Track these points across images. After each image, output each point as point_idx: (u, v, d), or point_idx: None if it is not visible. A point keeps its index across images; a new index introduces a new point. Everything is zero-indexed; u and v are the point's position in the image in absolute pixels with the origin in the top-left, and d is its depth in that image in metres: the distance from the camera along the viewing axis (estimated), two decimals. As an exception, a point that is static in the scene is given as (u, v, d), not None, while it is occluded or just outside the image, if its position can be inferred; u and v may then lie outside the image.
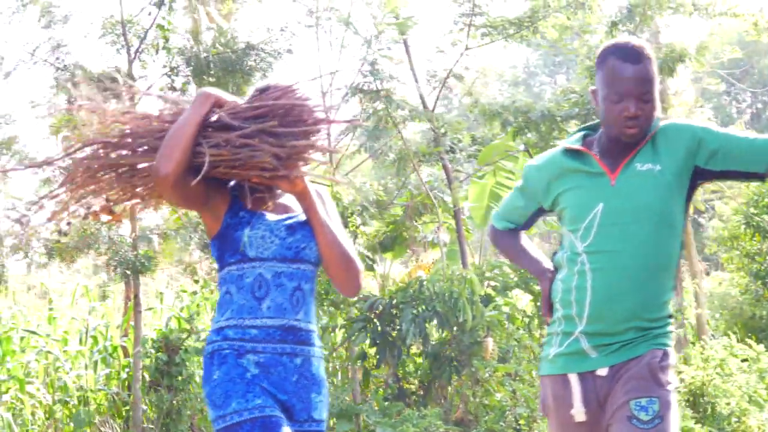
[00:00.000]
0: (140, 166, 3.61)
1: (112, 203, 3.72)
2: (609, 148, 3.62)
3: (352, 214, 10.91)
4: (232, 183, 3.70)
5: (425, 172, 13.72)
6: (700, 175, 3.59)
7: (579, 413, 3.54)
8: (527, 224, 3.99)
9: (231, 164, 3.45)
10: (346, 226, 10.96)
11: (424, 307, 10.32)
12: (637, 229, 3.49)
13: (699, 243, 25.84)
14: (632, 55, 3.54)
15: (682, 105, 20.00)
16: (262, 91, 3.61)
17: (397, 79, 12.28)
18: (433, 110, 13.10)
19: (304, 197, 3.60)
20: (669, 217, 3.54)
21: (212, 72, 11.14)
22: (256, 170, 3.46)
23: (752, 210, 18.48)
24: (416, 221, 13.43)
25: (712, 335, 17.67)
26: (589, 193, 3.57)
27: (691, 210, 20.43)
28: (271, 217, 3.66)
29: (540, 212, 3.89)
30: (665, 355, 3.54)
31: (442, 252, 13.12)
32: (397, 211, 13.44)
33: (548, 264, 3.82)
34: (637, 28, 13.97)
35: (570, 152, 3.68)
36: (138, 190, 3.70)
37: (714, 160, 3.54)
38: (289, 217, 3.70)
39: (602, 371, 3.52)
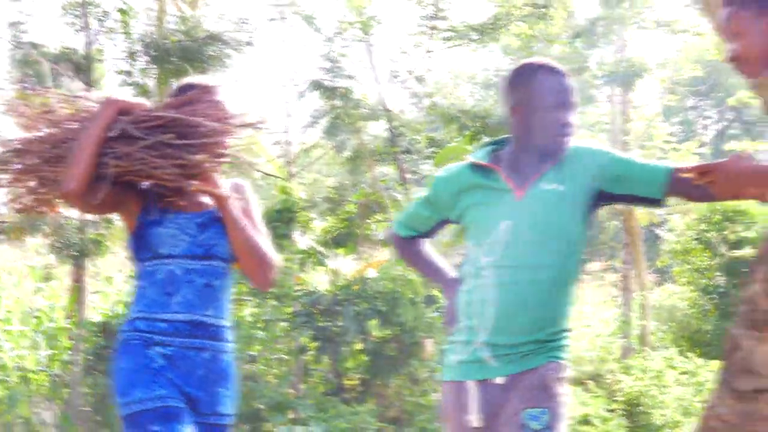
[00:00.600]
0: (47, 175, 3.65)
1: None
2: (518, 165, 3.72)
3: (302, 209, 10.97)
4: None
5: (381, 171, 13.81)
6: (602, 198, 3.72)
7: (475, 419, 3.65)
8: (431, 233, 4.07)
9: (134, 174, 3.53)
10: (294, 220, 11.05)
11: (366, 305, 10.41)
12: (539, 246, 3.61)
13: (654, 254, 26.13)
14: (559, 70, 3.70)
15: (641, 119, 20.19)
16: (182, 89, 3.69)
17: (356, 78, 12.34)
18: (391, 110, 13.20)
19: (214, 196, 3.67)
20: (570, 237, 3.66)
21: (172, 59, 11.13)
22: (158, 179, 3.54)
23: (703, 226, 18.72)
24: (369, 219, 13.50)
25: (664, 347, 17.92)
26: (495, 209, 3.68)
27: (646, 222, 20.70)
28: (183, 215, 3.73)
29: (444, 222, 3.99)
30: (560, 367, 3.66)
31: (391, 251, 13.22)
32: (352, 208, 13.51)
33: (452, 275, 3.93)
34: (599, 40, 14.14)
35: (477, 167, 3.78)
36: (50, 195, 3.75)
37: (616, 184, 3.67)
38: (202, 214, 3.76)
39: (499, 380, 3.63)
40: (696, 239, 18.62)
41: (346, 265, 16.22)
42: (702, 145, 31.31)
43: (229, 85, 3.84)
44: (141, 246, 3.71)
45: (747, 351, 3.96)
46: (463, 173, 3.84)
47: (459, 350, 3.74)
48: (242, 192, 3.86)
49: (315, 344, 10.70)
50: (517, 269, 3.62)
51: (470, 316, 3.69)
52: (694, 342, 18.47)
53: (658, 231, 26.11)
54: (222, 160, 3.64)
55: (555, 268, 3.64)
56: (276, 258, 3.79)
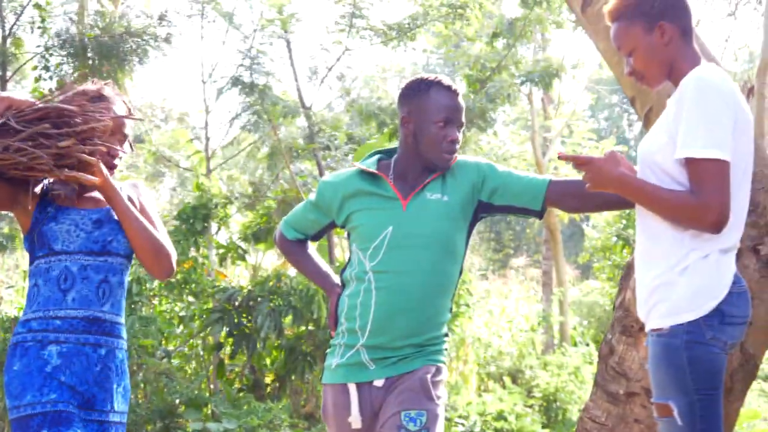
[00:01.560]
0: None
1: None
2: (404, 174, 3.84)
3: (216, 206, 11.01)
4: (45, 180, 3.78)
5: (300, 167, 13.88)
6: (482, 209, 3.84)
7: (355, 420, 3.75)
8: (317, 236, 4.15)
9: (15, 167, 3.49)
10: (210, 216, 11.09)
11: (280, 301, 10.48)
12: (421, 253, 3.71)
13: (577, 250, 26.44)
14: (453, 88, 3.82)
15: (560, 116, 20.48)
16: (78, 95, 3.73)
17: (275, 75, 12.41)
18: (310, 107, 13.29)
19: (105, 191, 3.65)
20: (451, 245, 3.77)
21: (89, 55, 11.11)
22: (38, 171, 3.52)
23: (623, 223, 19.00)
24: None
25: (584, 342, 18.16)
26: (381, 215, 3.78)
27: (568, 218, 20.96)
28: (79, 211, 3.73)
29: (331, 226, 4.07)
30: (437, 370, 3.77)
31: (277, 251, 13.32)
32: (271, 203, 13.57)
33: (336, 279, 4.03)
34: (517, 40, 14.28)
35: (365, 174, 3.88)
36: None
37: (495, 196, 3.80)
38: (99, 211, 3.76)
39: (379, 382, 3.73)
40: (616, 236, 18.88)
41: (267, 260, 16.31)
42: (621, 142, 31.78)
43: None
44: (36, 243, 3.70)
45: (620, 356, 4.13)
46: (350, 179, 3.93)
47: (339, 353, 3.84)
48: (139, 188, 3.89)
49: (231, 340, 10.74)
50: (397, 274, 3.72)
51: (351, 320, 3.79)
52: (612, 337, 18.79)
53: (584, 225, 26.46)
54: (94, 146, 3.57)
55: (434, 275, 3.75)
56: (171, 248, 3.78)
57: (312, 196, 4.05)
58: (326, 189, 3.99)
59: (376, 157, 3.98)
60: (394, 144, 11.41)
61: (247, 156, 15.20)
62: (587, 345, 17.51)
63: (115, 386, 3.69)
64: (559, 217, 19.97)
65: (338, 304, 3.90)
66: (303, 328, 10.68)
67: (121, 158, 3.79)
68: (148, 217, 3.82)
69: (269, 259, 16.98)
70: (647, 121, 4.41)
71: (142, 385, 9.56)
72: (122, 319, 3.75)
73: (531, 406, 12.67)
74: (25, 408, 3.49)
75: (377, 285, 3.72)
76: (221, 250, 12.56)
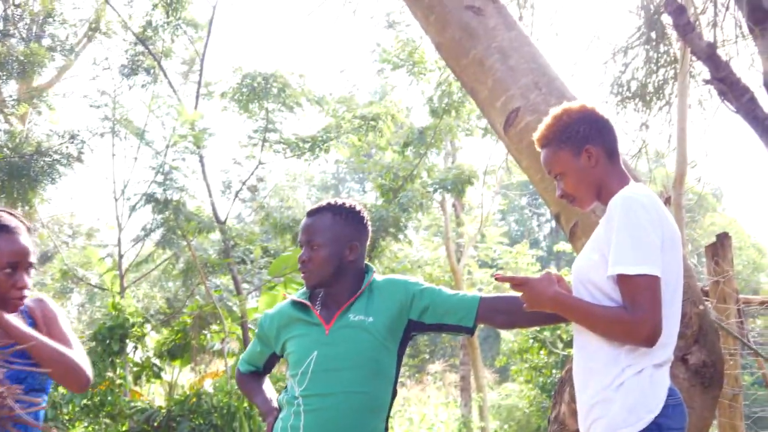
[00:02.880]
0: None
1: None
2: (326, 300, 3.88)
3: (133, 325, 10.88)
4: None
5: (215, 282, 13.82)
6: (413, 328, 3.87)
7: None
8: (266, 368, 4.20)
9: None
10: (127, 336, 10.95)
11: (202, 420, 10.34)
12: (346, 375, 3.72)
13: (494, 353, 26.58)
14: (312, 210, 3.95)
15: (473, 221, 20.75)
16: None
17: (187, 191, 12.40)
18: (225, 221, 13.29)
19: (0, 326, 3.51)
20: (378, 365, 3.78)
21: (-1, 176, 11.03)
22: None
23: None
24: (204, 330, 13.46)
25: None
26: (307, 341, 3.82)
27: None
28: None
29: (275, 357, 4.11)
30: None
31: (227, 365, 13.19)
32: (186, 319, 13.45)
33: (276, 404, 4.03)
34: (428, 148, 14.50)
35: (296, 303, 3.93)
36: None
37: (426, 314, 3.83)
38: (9, 346, 3.56)
39: None
40: (532, 338, 19.05)
41: (182, 377, 16.09)
42: (534, 244, 32.30)
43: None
44: None
45: (558, 468, 4.15)
46: (284, 309, 3.99)
47: None
48: (43, 306, 3.76)
49: (151, 462, 10.55)
50: (323, 397, 3.73)
51: (283, 443, 3.79)
52: (533, 439, 18.84)
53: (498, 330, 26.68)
54: None
55: (361, 395, 3.75)
56: (83, 360, 3.63)
57: (258, 331, 4.13)
58: (264, 321, 4.07)
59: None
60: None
61: (162, 273, 15.08)
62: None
63: None
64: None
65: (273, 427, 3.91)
66: (224, 446, 10.51)
67: (29, 289, 3.64)
68: (56, 330, 3.71)
69: (185, 376, 16.78)
70: (573, 236, 4.50)
71: None
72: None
73: None
74: None
75: (305, 408, 3.74)
76: (136, 369, 12.39)
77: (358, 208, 3.99)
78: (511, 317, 3.77)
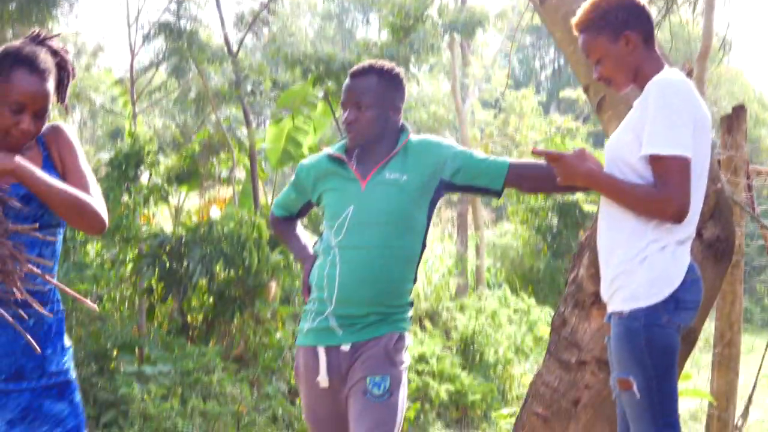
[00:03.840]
0: None
1: None
2: (363, 156, 4.13)
3: (148, 153, 11.10)
4: None
5: (225, 113, 14.00)
6: (444, 187, 4.14)
7: (323, 380, 4.07)
8: (300, 214, 4.53)
9: None
10: (142, 163, 11.18)
11: (212, 247, 10.67)
12: (380, 229, 4.02)
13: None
14: (356, 71, 4.17)
15: (479, 61, 20.81)
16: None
17: (201, 22, 12.47)
18: (237, 53, 13.39)
19: (14, 175, 3.34)
20: (410, 221, 4.07)
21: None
22: None
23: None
24: (212, 158, 13.71)
25: (498, 284, 18.61)
26: (343, 195, 4.10)
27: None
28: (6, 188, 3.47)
29: (310, 205, 4.40)
30: (401, 337, 4.08)
31: (234, 192, 13.50)
32: (195, 146, 13.69)
33: (311, 251, 4.33)
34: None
35: (333, 157, 4.18)
36: None
37: (457, 176, 4.10)
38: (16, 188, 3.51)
39: (345, 347, 4.04)
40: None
41: (188, 202, 16.41)
42: (538, 86, 32.30)
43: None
44: None
45: (573, 327, 4.49)
46: (321, 161, 4.25)
47: (311, 318, 4.14)
48: (59, 136, 3.63)
49: (161, 285, 10.91)
50: (359, 249, 4.04)
51: (320, 289, 4.10)
52: (527, 279, 19.32)
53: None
54: None
55: (394, 249, 4.05)
56: (99, 204, 3.53)
57: (293, 178, 4.40)
58: (301, 171, 4.35)
59: (344, 141, 4.27)
60: (318, 90, 11.43)
61: (173, 102, 15.22)
62: (500, 287, 17.98)
63: (46, 352, 3.54)
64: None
65: (310, 274, 4.21)
66: (233, 273, 10.87)
67: (33, 135, 3.51)
68: (71, 165, 3.62)
69: (191, 201, 17.09)
70: (599, 108, 4.72)
71: (75, 329, 9.68)
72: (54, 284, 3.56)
73: (449, 348, 13.04)
74: None
75: (341, 259, 4.04)
76: (144, 192, 12.66)
77: (398, 70, 4.21)
78: (537, 183, 4.06)
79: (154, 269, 10.73)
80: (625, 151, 3.46)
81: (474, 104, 21.71)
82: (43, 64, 3.42)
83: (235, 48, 13.47)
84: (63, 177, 3.56)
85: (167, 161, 13.88)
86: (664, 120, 3.30)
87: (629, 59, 3.58)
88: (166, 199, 12.95)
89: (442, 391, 11.14)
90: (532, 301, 15.47)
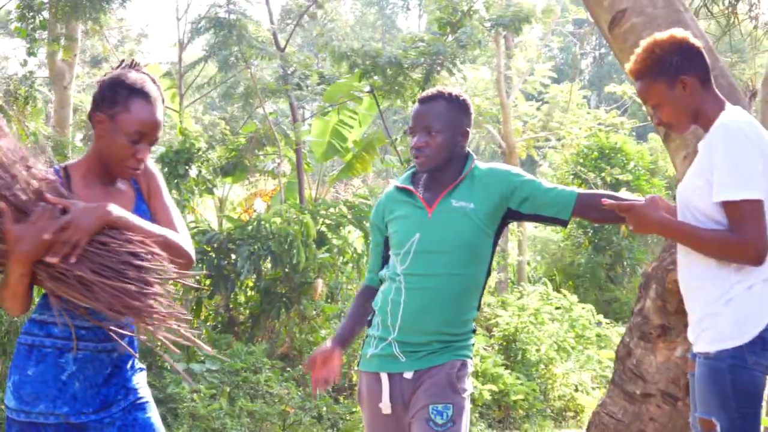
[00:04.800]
0: None
1: None
2: (429, 183, 4.16)
3: (198, 150, 11.17)
4: None
5: (272, 107, 14.05)
6: (511, 215, 4.15)
7: (386, 407, 4.10)
8: (385, 260, 4.38)
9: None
10: (192, 160, 11.26)
11: (260, 244, 10.73)
12: (446, 257, 4.04)
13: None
14: (424, 97, 4.22)
15: (524, 55, 20.72)
16: None
17: (250, 18, 12.51)
18: (284, 47, 13.42)
19: (113, 224, 3.34)
20: (476, 250, 4.09)
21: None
22: None
23: (580, 161, 19.40)
24: (258, 151, 13.77)
25: (538, 278, 18.56)
26: (410, 223, 4.13)
27: (524, 155, 21.32)
28: None
29: (387, 244, 4.35)
30: (463, 365, 4.11)
31: (281, 188, 13.56)
32: (241, 139, 13.75)
33: (345, 338, 4.38)
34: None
35: (400, 189, 4.22)
36: None
37: (525, 205, 4.11)
38: None
39: (408, 374, 4.07)
40: (573, 174, 19.24)
41: (233, 193, 16.51)
42: (580, 75, 32.10)
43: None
44: None
45: (638, 359, 4.49)
46: (390, 193, 4.31)
47: (374, 344, 4.18)
48: (148, 174, 3.69)
49: (209, 281, 10.98)
50: (424, 277, 4.07)
51: (384, 314, 4.13)
52: (567, 274, 19.27)
53: (539, 161, 26.85)
54: None
55: (459, 277, 4.08)
56: (185, 241, 3.54)
57: (371, 221, 4.46)
58: (376, 208, 4.40)
59: (410, 172, 4.30)
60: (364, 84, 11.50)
61: (221, 96, 15.31)
62: (540, 281, 17.93)
63: (127, 376, 3.61)
64: (518, 153, 20.28)
65: (368, 305, 4.26)
66: (279, 271, 10.92)
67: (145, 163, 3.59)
68: (159, 203, 3.67)
69: (236, 192, 17.20)
70: (667, 137, 4.72)
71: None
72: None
73: (491, 347, 13.00)
74: (37, 416, 3.44)
75: (406, 286, 4.07)
76: (191, 184, 12.73)
77: (465, 96, 4.22)
78: (604, 214, 4.03)
79: (201, 265, 10.79)
80: (696, 198, 3.47)
81: (517, 97, 21.63)
82: (154, 93, 3.51)
83: (282, 42, 13.51)
84: (150, 211, 3.65)
85: (213, 154, 13.94)
86: (732, 164, 3.32)
87: (688, 103, 3.59)
88: (211, 191, 13.03)
89: (485, 391, 11.14)
90: (574, 298, 15.40)
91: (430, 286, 4.05)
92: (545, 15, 14.88)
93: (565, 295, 15.41)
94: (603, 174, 18.73)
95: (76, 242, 3.20)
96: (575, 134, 19.81)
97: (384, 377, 4.11)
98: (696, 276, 3.52)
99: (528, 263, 19.40)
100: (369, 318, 4.30)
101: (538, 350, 12.85)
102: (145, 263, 3.28)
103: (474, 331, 4.20)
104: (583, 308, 15.01)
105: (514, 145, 19.37)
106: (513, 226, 19.40)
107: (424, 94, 4.24)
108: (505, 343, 13.02)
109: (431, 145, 4.10)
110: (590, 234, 19.16)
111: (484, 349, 12.47)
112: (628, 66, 3.69)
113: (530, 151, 21.52)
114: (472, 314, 4.15)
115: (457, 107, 4.17)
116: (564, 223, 4.15)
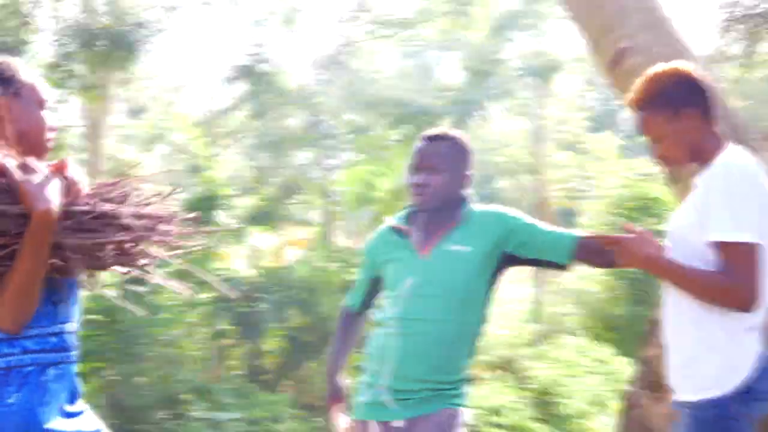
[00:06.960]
0: None
1: None
2: (426, 224, 4.05)
3: (223, 197, 11.21)
4: None
5: (302, 156, 14.10)
6: (508, 260, 4.03)
7: None
8: (369, 297, 4.27)
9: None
10: (217, 207, 11.28)
11: (286, 292, 10.70)
12: (439, 302, 3.90)
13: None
14: (429, 136, 4.09)
15: (557, 104, 20.67)
16: None
17: (282, 68, 12.61)
18: (314, 97, 13.49)
19: None
20: (471, 295, 3.96)
21: (99, 44, 11.23)
22: None
23: (615, 210, 19.18)
24: (289, 200, 13.80)
25: (575, 330, 18.31)
26: (403, 266, 4.00)
27: (560, 205, 21.17)
28: None
29: (376, 282, 4.21)
30: (456, 414, 3.97)
31: (309, 232, 13.56)
32: (272, 189, 13.79)
33: (340, 386, 4.19)
34: (518, 33, 14.46)
35: (395, 229, 4.11)
36: None
37: (522, 249, 3.97)
38: None
39: (398, 423, 3.93)
40: (608, 225, 18.99)
41: (264, 241, 16.50)
42: (616, 128, 31.83)
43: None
44: None
45: (645, 409, 4.37)
46: (384, 234, 4.17)
47: (364, 391, 4.06)
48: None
49: (234, 329, 10.95)
50: (416, 322, 3.93)
51: (374, 360, 4.02)
52: (606, 326, 18.94)
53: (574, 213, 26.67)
54: None
55: (453, 323, 3.94)
56: None
57: (362, 258, 4.30)
58: (368, 246, 4.26)
59: (407, 211, 4.19)
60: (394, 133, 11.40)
61: (252, 145, 15.40)
62: (578, 334, 17.66)
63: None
64: (553, 203, 20.16)
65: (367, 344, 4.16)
66: (306, 319, 10.88)
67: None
68: None
69: (267, 241, 17.20)
70: (672, 180, 4.63)
71: (148, 373, 9.72)
72: None
73: (524, 399, 12.80)
74: None
75: (397, 331, 3.93)
76: (220, 231, 12.74)
77: (467, 139, 4.13)
78: (608, 257, 3.87)
79: (228, 313, 10.77)
80: (687, 234, 3.33)
81: (551, 146, 21.55)
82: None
83: (312, 91, 13.58)
84: None
85: (244, 202, 13.97)
86: (729, 204, 3.18)
87: (688, 138, 3.45)
88: (240, 241, 13.04)
89: (517, 445, 10.96)
90: (612, 350, 15.15)
91: (422, 331, 3.91)
92: (576, 64, 14.80)
93: (601, 346, 15.18)
94: (641, 224, 18.51)
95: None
96: (611, 184, 19.62)
97: (373, 425, 4.00)
98: (679, 317, 3.41)
99: (564, 315, 19.13)
100: (355, 343, 4.22)
101: (573, 404, 12.62)
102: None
103: (467, 380, 4.07)
104: (621, 362, 14.76)
105: (549, 196, 19.26)
106: (550, 275, 19.24)
107: (428, 132, 4.15)
108: (539, 396, 12.83)
109: (433, 184, 3.99)
110: (629, 285, 18.89)
111: (517, 401, 12.27)
112: (628, 96, 3.57)
113: (565, 201, 21.37)
114: (465, 362, 4.02)
115: (461, 150, 4.08)
116: (563, 268, 4.02)
